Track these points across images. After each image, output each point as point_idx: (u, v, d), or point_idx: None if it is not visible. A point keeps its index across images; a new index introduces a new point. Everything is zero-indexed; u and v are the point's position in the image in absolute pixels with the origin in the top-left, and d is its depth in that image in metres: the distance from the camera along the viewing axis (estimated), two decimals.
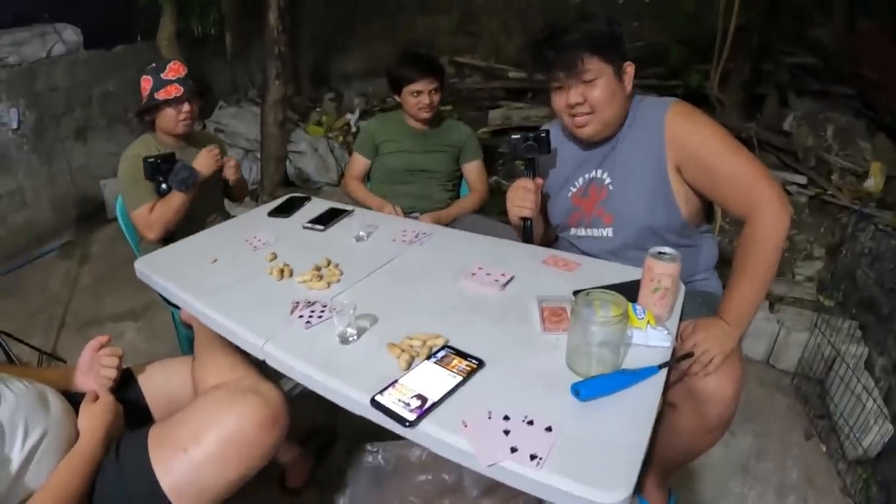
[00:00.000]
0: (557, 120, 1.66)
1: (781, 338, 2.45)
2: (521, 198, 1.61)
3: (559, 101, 1.56)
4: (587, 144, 1.64)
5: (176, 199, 2.09)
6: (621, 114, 1.55)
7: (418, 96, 2.37)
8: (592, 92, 1.49)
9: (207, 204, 2.29)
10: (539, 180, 1.64)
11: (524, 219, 1.65)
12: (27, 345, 2.64)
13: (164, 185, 2.10)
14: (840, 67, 4.02)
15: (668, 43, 4.21)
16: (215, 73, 5.66)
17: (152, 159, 2.07)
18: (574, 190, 1.69)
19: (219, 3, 5.05)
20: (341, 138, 4.72)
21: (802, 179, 3.45)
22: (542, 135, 1.62)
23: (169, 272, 1.63)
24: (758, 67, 3.97)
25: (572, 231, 1.72)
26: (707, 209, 1.64)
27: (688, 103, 1.54)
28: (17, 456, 1.08)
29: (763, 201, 1.36)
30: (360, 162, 2.58)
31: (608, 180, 1.61)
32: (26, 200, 4.06)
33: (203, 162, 2.18)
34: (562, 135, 1.72)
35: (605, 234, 1.64)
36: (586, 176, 1.66)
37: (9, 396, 1.12)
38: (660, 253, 1.24)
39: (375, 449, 1.72)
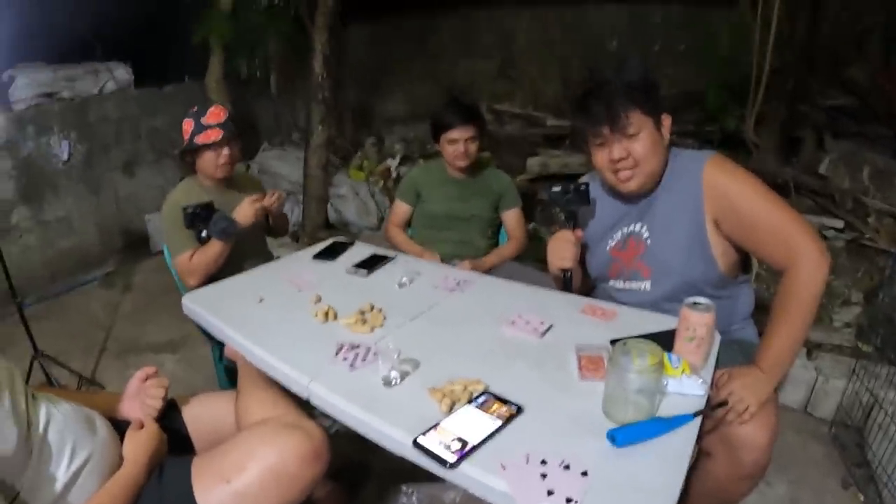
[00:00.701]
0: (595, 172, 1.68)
1: (819, 385, 2.41)
2: (561, 249, 1.63)
3: (601, 157, 1.57)
4: (626, 198, 1.65)
5: (215, 248, 2.11)
6: (662, 165, 1.57)
7: (454, 144, 2.41)
8: (635, 145, 1.50)
9: (249, 249, 2.29)
10: (579, 232, 1.66)
11: (564, 270, 1.66)
12: (67, 368, 2.73)
13: (203, 234, 2.12)
14: (877, 108, 3.99)
15: (705, 87, 4.22)
16: (260, 113, 5.81)
17: (191, 210, 2.09)
18: (612, 243, 1.71)
19: (265, 46, 5.20)
20: (382, 183, 4.78)
21: (839, 223, 3.41)
22: (582, 188, 1.64)
23: (216, 309, 1.68)
24: (794, 109, 3.96)
25: (611, 283, 1.73)
26: (744, 260, 1.65)
27: (724, 157, 1.55)
28: (62, 476, 1.13)
29: (801, 252, 1.38)
30: (402, 208, 2.63)
31: (646, 234, 1.63)
32: (74, 228, 4.23)
33: (243, 213, 2.17)
34: (600, 187, 1.73)
35: (643, 287, 1.65)
36: (625, 230, 1.68)
37: (58, 417, 1.18)
38: (695, 303, 1.26)
39: (410, 490, 1.73)
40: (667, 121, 1.56)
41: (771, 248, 1.45)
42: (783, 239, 1.41)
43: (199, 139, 2.16)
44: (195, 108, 2.23)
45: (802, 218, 1.44)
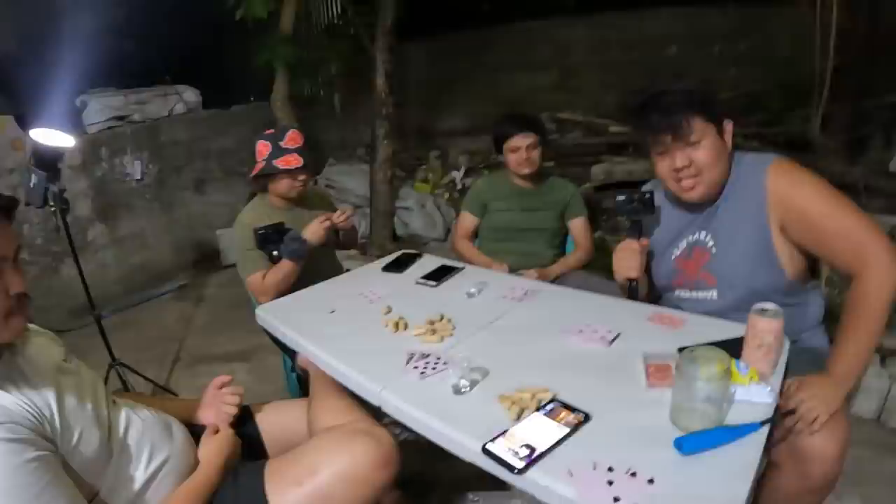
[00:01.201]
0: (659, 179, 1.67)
1: (893, 394, 2.33)
2: (627, 259, 1.64)
3: (663, 166, 1.57)
4: (689, 206, 1.64)
5: (286, 268, 2.13)
6: (725, 173, 1.56)
7: (516, 152, 2.44)
8: (698, 153, 1.50)
9: (320, 264, 2.29)
10: (645, 241, 1.65)
11: (630, 279, 1.66)
12: (142, 377, 2.85)
13: (275, 253, 2.13)
14: None
15: (767, 89, 4.13)
16: (325, 131, 5.96)
17: (262, 231, 2.11)
18: (678, 252, 1.70)
19: (328, 66, 5.36)
20: (447, 195, 4.84)
21: None
22: (647, 196, 1.64)
23: (290, 320, 1.75)
24: (860, 108, 3.83)
25: (676, 293, 1.73)
26: (812, 266, 1.61)
27: (789, 160, 1.52)
28: (140, 476, 1.21)
29: (872, 256, 1.35)
30: (468, 220, 2.67)
31: (711, 243, 1.61)
32: (147, 244, 4.44)
33: (313, 232, 2.18)
34: (664, 196, 1.73)
35: (709, 296, 1.64)
36: (689, 238, 1.67)
37: (137, 422, 1.26)
38: (763, 310, 1.25)
39: (476, 498, 1.76)
40: (729, 126, 1.54)
41: (840, 252, 1.41)
42: (852, 243, 1.38)
43: (279, 163, 2.18)
44: (271, 131, 2.27)
45: (872, 220, 1.40)
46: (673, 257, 1.71)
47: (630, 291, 1.68)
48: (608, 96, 5.56)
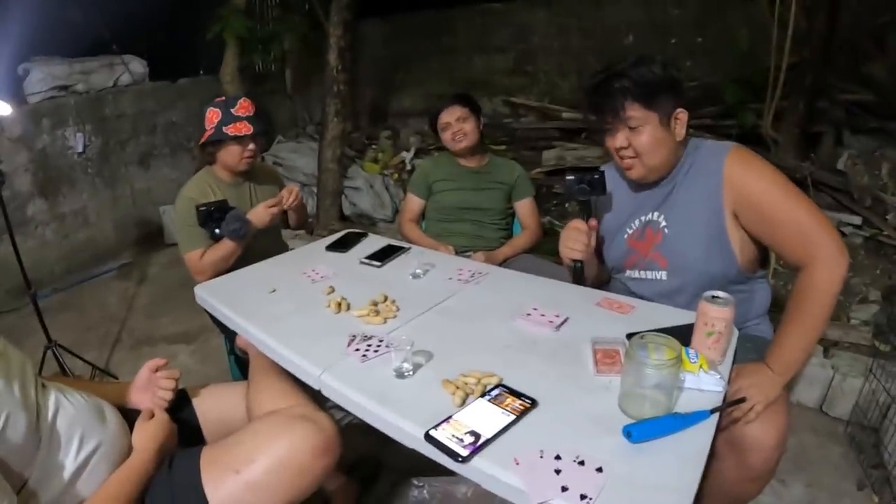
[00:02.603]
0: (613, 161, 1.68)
1: (836, 384, 2.38)
2: (572, 239, 1.60)
3: (609, 143, 1.59)
4: (644, 186, 1.65)
5: (227, 247, 2.10)
6: (669, 160, 1.56)
7: (448, 128, 2.44)
8: (638, 138, 1.51)
9: (263, 243, 2.24)
10: (593, 222, 1.63)
11: (575, 261, 1.64)
12: (81, 359, 2.75)
13: (216, 231, 2.09)
14: None
15: (722, 82, 4.19)
16: (275, 108, 5.87)
17: (204, 208, 2.07)
18: (630, 232, 1.69)
19: (280, 41, 5.24)
20: (396, 176, 4.80)
21: (857, 220, 3.37)
22: (597, 177, 1.62)
23: (228, 299, 1.69)
24: (812, 105, 3.91)
25: (627, 273, 1.72)
26: (762, 256, 1.62)
27: (747, 148, 1.54)
28: (70, 464, 1.14)
29: (820, 250, 1.36)
30: (414, 202, 2.64)
31: (664, 223, 1.61)
32: (89, 220, 4.28)
33: (258, 216, 2.15)
34: (618, 176, 1.72)
35: (659, 276, 1.64)
36: (643, 218, 1.66)
37: (67, 407, 1.18)
38: (714, 297, 1.24)
39: (421, 483, 1.73)
40: (682, 115, 1.53)
41: (789, 243, 1.42)
42: (802, 235, 1.39)
43: (230, 129, 2.11)
44: (222, 99, 2.20)
45: (823, 215, 1.41)
46: (625, 236, 1.71)
47: (574, 273, 1.67)
48: (564, 82, 5.61)
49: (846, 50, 4.11)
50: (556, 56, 5.58)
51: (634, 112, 1.49)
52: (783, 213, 1.41)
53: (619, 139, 1.54)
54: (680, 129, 1.54)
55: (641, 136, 1.51)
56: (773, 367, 1.37)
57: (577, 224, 1.61)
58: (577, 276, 1.66)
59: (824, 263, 1.35)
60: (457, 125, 2.44)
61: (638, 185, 1.66)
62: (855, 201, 3.48)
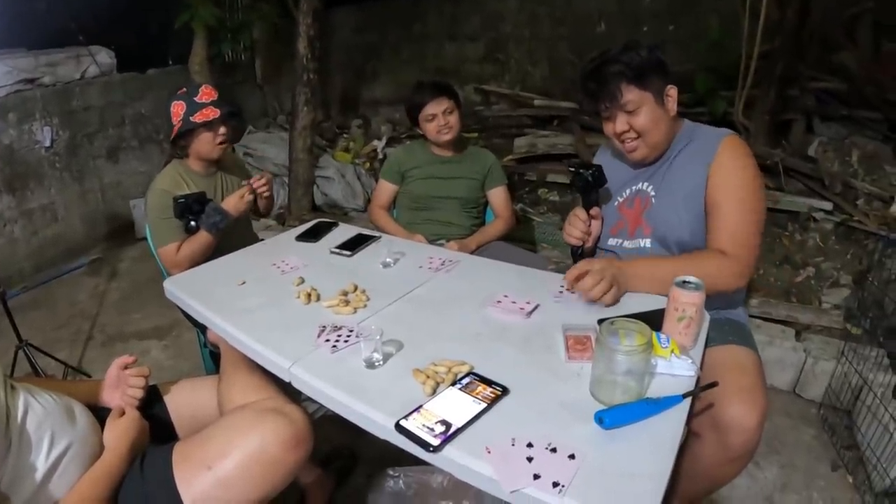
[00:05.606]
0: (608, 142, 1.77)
1: (808, 367, 2.42)
2: (572, 225, 1.68)
3: (608, 128, 1.66)
4: (640, 165, 1.72)
5: (203, 240, 2.08)
6: (668, 135, 1.64)
7: (433, 120, 2.41)
8: (637, 120, 1.58)
9: (235, 234, 2.21)
10: (595, 210, 1.70)
11: (574, 245, 1.72)
12: (54, 358, 2.70)
13: (193, 223, 2.07)
14: (866, 92, 3.99)
15: (694, 70, 4.20)
16: (245, 98, 5.77)
17: (182, 199, 2.04)
18: (621, 199, 1.75)
19: (250, 30, 5.18)
20: (368, 165, 4.75)
21: (828, 206, 3.41)
22: (596, 172, 1.68)
23: (197, 293, 1.66)
24: (783, 93, 3.94)
25: (615, 240, 1.76)
26: None
27: (744, 141, 1.61)
28: (41, 465, 1.11)
29: (734, 258, 1.47)
30: (386, 189, 2.61)
31: (652, 193, 1.67)
32: (57, 216, 4.18)
33: (234, 206, 2.14)
34: (611, 153, 1.82)
35: (643, 244, 1.68)
36: (633, 188, 1.73)
37: (36, 408, 1.15)
38: (684, 282, 1.24)
39: (397, 474, 1.72)
40: (672, 91, 1.60)
41: (717, 233, 1.52)
42: (731, 236, 1.49)
43: (197, 118, 2.08)
44: (183, 90, 2.17)
45: (759, 237, 1.53)
46: (616, 204, 1.77)
47: (575, 257, 1.73)
48: (536, 70, 5.59)
49: (817, 40, 4.15)
50: (528, 44, 5.56)
51: (631, 95, 1.55)
52: (732, 210, 1.51)
53: (619, 124, 1.60)
54: (672, 105, 1.61)
55: (640, 116, 1.57)
56: (630, 266, 1.49)
57: (578, 212, 1.70)
58: (577, 260, 1.69)
59: (729, 267, 1.47)
60: (444, 118, 2.42)
61: (636, 164, 1.72)
62: (826, 187, 3.51)
